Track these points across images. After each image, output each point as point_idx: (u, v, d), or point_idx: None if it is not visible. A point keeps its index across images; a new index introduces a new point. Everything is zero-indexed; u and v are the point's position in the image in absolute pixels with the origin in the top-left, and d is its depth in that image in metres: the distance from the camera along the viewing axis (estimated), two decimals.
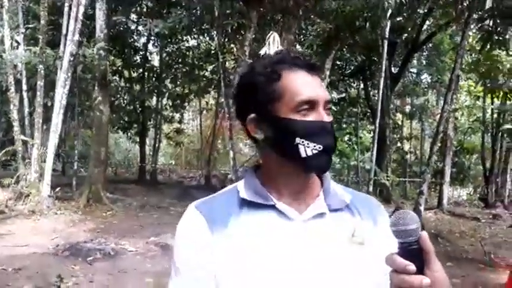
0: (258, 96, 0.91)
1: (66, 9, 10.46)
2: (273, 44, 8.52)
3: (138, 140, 18.36)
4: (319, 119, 0.88)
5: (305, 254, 0.88)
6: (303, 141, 0.88)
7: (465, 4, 9.67)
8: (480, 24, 9.02)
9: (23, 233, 7.31)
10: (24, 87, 11.48)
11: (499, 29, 8.32)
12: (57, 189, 10.09)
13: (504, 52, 11.14)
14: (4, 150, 11.43)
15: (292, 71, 0.90)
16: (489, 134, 15.70)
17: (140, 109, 17.31)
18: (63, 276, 4.99)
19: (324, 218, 0.92)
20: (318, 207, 0.93)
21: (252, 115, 0.93)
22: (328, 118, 0.89)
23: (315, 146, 0.88)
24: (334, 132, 0.93)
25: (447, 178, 13.74)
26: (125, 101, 17.69)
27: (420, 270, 0.74)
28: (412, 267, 0.72)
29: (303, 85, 0.89)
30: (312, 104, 0.88)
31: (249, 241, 0.88)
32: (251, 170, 0.99)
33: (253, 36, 10.19)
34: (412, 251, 0.74)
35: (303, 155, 0.88)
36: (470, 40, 11.57)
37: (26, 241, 6.70)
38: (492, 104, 15.27)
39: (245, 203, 0.92)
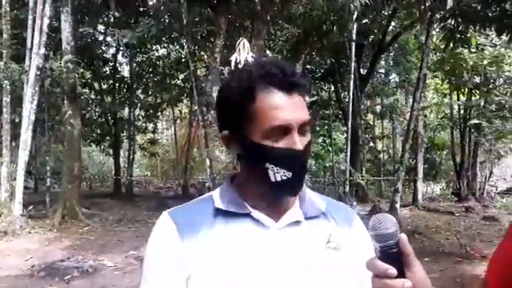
0: (230, 115, 0.91)
1: (30, 22, 10.21)
2: (243, 50, 8.57)
3: (111, 152, 18.02)
4: (291, 146, 0.85)
5: (281, 261, 0.88)
6: (272, 167, 0.87)
7: (428, 4, 9.98)
8: (443, 24, 9.30)
9: None
10: None
11: (460, 27, 8.60)
12: (30, 207, 9.83)
13: (467, 50, 11.52)
14: None
15: (267, 92, 0.86)
16: (457, 130, 16.15)
17: (112, 121, 16.99)
18: None
19: (299, 225, 0.93)
20: (293, 215, 0.93)
21: (225, 132, 0.93)
22: (301, 144, 0.86)
23: (284, 173, 0.87)
24: (306, 158, 0.91)
25: (420, 175, 14.07)
26: (97, 114, 17.33)
27: (401, 273, 0.74)
28: (393, 270, 0.73)
29: (277, 109, 0.85)
30: (284, 130, 0.85)
31: (222, 249, 0.87)
32: (228, 179, 0.99)
33: (223, 43, 10.20)
34: (392, 255, 0.75)
35: (272, 179, 0.87)
36: (434, 39, 11.91)
37: None
38: (458, 100, 15.74)
39: (220, 213, 0.92)
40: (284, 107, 0.85)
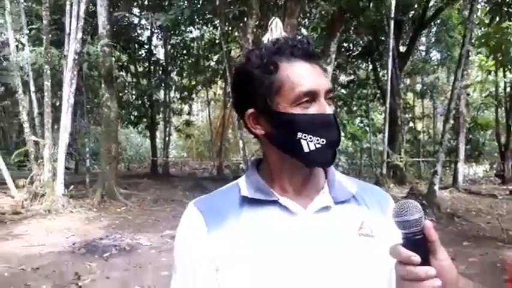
0: (254, 89, 0.87)
1: (67, 7, 10.42)
2: (275, 30, 8.41)
3: (148, 134, 18.44)
4: (321, 111, 0.84)
5: (311, 249, 0.85)
6: (305, 136, 0.84)
7: None
8: None
9: (39, 232, 7.39)
10: (32, 88, 11.54)
11: (507, 0, 8.09)
12: (71, 187, 10.21)
13: None
14: (17, 152, 11.56)
15: (289, 62, 0.86)
16: (503, 109, 15.42)
17: (148, 103, 17.34)
18: (80, 274, 5.06)
19: (329, 211, 0.89)
20: (322, 201, 0.90)
21: (250, 110, 0.89)
22: (330, 109, 0.85)
23: (318, 140, 0.84)
24: (338, 124, 0.87)
25: (461, 156, 13.56)
26: (133, 96, 17.73)
27: (425, 260, 0.73)
28: (416, 258, 0.71)
29: (302, 76, 0.85)
30: (312, 96, 0.84)
31: (251, 238, 0.85)
32: (253, 165, 0.96)
33: (256, 23, 10.06)
34: (417, 241, 0.74)
35: (306, 150, 0.85)
36: (479, 13, 11.29)
37: (42, 240, 6.78)
38: (504, 77, 14.95)
39: (246, 201, 0.89)
40: (309, 74, 0.85)
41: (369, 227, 0.89)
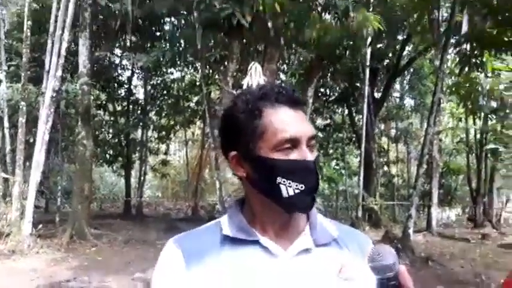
0: (239, 133, 0.90)
1: (49, 46, 10.45)
2: (255, 75, 8.61)
3: (123, 173, 18.13)
4: (302, 157, 0.85)
5: None
6: (284, 181, 0.85)
7: (442, 29, 9.94)
8: (458, 48, 9.25)
9: (1, 274, 7.04)
10: (6, 124, 11.35)
11: (476, 52, 8.52)
12: (40, 226, 9.84)
13: (482, 74, 11.39)
14: None
15: (274, 108, 0.88)
16: (473, 155, 15.85)
17: (125, 142, 17.16)
18: None
19: (309, 253, 0.90)
20: (303, 243, 0.91)
21: (234, 153, 0.92)
22: (311, 156, 0.86)
23: (296, 186, 0.85)
24: (317, 171, 0.89)
25: (435, 200, 13.75)
26: (110, 135, 17.55)
27: None
28: None
29: (285, 122, 0.86)
30: (294, 142, 0.85)
31: (231, 278, 0.85)
32: (235, 205, 0.97)
33: (237, 67, 10.28)
34: (391, 287, 0.73)
35: (285, 194, 0.86)
36: (449, 63, 11.82)
37: (4, 283, 6.46)
38: (474, 124, 15.49)
39: (228, 239, 0.90)
40: (292, 121, 0.87)
41: (349, 270, 0.89)
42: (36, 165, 9.71)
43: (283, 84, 0.93)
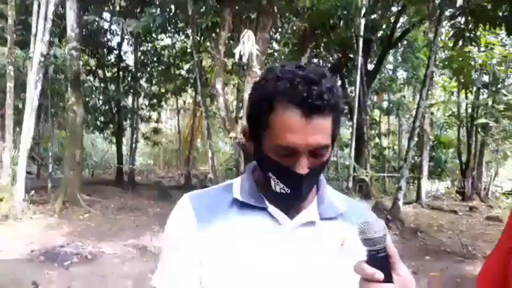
0: (252, 117, 0.90)
1: (35, 8, 10.13)
2: (247, 43, 8.50)
3: (114, 140, 18.04)
4: (294, 167, 0.84)
5: (291, 260, 0.87)
6: (274, 178, 0.87)
7: (437, 2, 9.82)
8: (452, 22, 9.17)
9: None
10: None
11: (470, 26, 8.47)
12: (32, 192, 9.84)
13: (476, 49, 11.37)
14: None
15: (285, 110, 0.81)
16: (464, 128, 16.01)
17: (116, 109, 16.97)
18: (38, 283, 4.86)
19: (314, 226, 0.92)
20: (309, 215, 0.92)
21: (246, 128, 0.93)
22: (303, 169, 0.83)
23: (283, 187, 0.87)
24: (311, 180, 0.88)
25: (425, 172, 13.97)
26: (100, 101, 17.32)
27: (389, 277, 0.76)
28: (379, 275, 0.74)
29: (288, 131, 0.81)
30: (291, 151, 0.83)
31: (235, 241, 0.88)
32: (249, 169, 0.98)
33: (229, 34, 10.11)
34: (380, 259, 0.76)
35: (273, 188, 0.88)
36: (443, 37, 11.76)
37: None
38: (466, 99, 15.58)
39: (237, 203, 0.92)
40: (297, 130, 0.81)
41: (351, 245, 0.91)
42: (26, 131, 9.60)
43: (312, 75, 0.82)
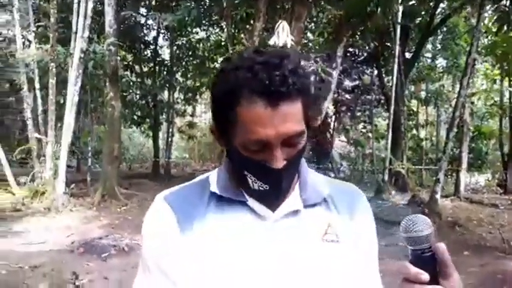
0: (217, 113, 0.84)
1: (75, 6, 10.45)
2: (282, 33, 8.41)
3: (151, 134, 18.44)
4: (268, 162, 0.78)
5: (275, 254, 0.83)
6: (250, 176, 0.81)
7: None
8: (496, 5, 8.76)
9: (39, 230, 7.40)
10: (37, 85, 11.57)
11: None
12: (72, 186, 10.21)
13: None
14: (19, 149, 11.57)
15: (249, 101, 0.75)
16: (507, 118, 15.31)
17: (152, 103, 17.34)
18: (78, 273, 5.04)
19: (297, 215, 0.87)
20: (292, 204, 0.87)
21: (213, 125, 0.86)
22: (278, 162, 0.77)
23: (261, 185, 0.81)
24: (289, 173, 0.82)
25: (464, 164, 13.47)
26: (137, 96, 17.75)
27: (434, 278, 0.71)
28: (425, 276, 0.69)
29: (256, 122, 0.75)
30: (263, 145, 0.77)
31: (215, 239, 0.83)
32: (226, 162, 0.91)
33: (263, 25, 10.05)
34: (425, 258, 0.71)
35: (251, 186, 0.83)
36: (486, 22, 11.23)
37: (42, 238, 6.79)
38: (510, 86, 14.87)
39: (215, 197, 0.87)
40: (265, 122, 0.75)
41: (335, 232, 0.87)
42: (67, 126, 9.95)
43: (272, 60, 0.76)
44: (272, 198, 0.84)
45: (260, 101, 0.75)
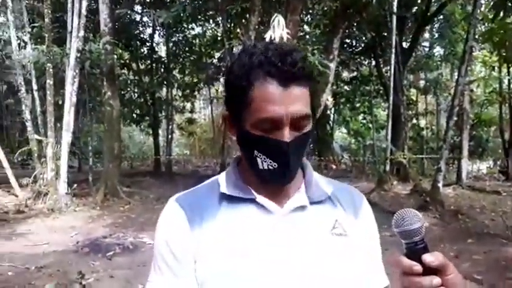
0: (231, 98, 0.90)
1: (69, 5, 10.39)
2: (278, 27, 8.38)
3: (151, 132, 18.43)
4: (278, 138, 0.84)
5: (285, 247, 0.87)
6: (260, 155, 0.87)
7: None
8: None
9: (43, 231, 7.41)
10: (35, 86, 11.55)
11: None
12: (74, 186, 10.21)
13: None
14: (20, 150, 11.57)
15: (263, 82, 0.83)
16: (507, 105, 15.30)
17: (151, 101, 17.32)
18: (84, 273, 5.04)
19: (304, 211, 0.92)
20: (298, 200, 0.93)
21: (226, 113, 0.93)
22: (287, 138, 0.83)
23: (271, 163, 0.87)
24: (294, 152, 0.87)
25: (465, 152, 13.47)
26: (135, 94, 17.72)
27: (430, 268, 0.72)
28: (418, 267, 0.72)
29: (269, 101, 0.83)
30: (274, 123, 0.84)
31: (227, 235, 0.87)
32: (234, 162, 0.99)
33: (259, 19, 10.02)
34: (418, 251, 0.73)
35: (261, 167, 0.88)
36: (482, 9, 11.18)
37: (46, 239, 6.80)
38: (508, 74, 14.84)
39: (225, 197, 0.92)
40: (277, 100, 0.83)
41: (342, 226, 0.92)
42: (66, 127, 9.94)
43: (283, 48, 0.86)
44: (280, 180, 0.89)
45: (273, 81, 0.83)
